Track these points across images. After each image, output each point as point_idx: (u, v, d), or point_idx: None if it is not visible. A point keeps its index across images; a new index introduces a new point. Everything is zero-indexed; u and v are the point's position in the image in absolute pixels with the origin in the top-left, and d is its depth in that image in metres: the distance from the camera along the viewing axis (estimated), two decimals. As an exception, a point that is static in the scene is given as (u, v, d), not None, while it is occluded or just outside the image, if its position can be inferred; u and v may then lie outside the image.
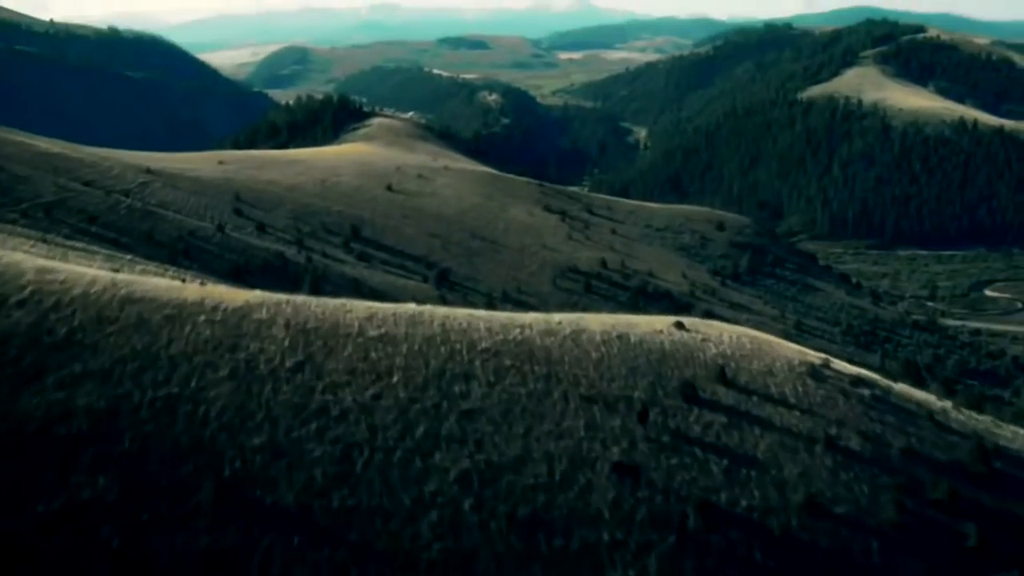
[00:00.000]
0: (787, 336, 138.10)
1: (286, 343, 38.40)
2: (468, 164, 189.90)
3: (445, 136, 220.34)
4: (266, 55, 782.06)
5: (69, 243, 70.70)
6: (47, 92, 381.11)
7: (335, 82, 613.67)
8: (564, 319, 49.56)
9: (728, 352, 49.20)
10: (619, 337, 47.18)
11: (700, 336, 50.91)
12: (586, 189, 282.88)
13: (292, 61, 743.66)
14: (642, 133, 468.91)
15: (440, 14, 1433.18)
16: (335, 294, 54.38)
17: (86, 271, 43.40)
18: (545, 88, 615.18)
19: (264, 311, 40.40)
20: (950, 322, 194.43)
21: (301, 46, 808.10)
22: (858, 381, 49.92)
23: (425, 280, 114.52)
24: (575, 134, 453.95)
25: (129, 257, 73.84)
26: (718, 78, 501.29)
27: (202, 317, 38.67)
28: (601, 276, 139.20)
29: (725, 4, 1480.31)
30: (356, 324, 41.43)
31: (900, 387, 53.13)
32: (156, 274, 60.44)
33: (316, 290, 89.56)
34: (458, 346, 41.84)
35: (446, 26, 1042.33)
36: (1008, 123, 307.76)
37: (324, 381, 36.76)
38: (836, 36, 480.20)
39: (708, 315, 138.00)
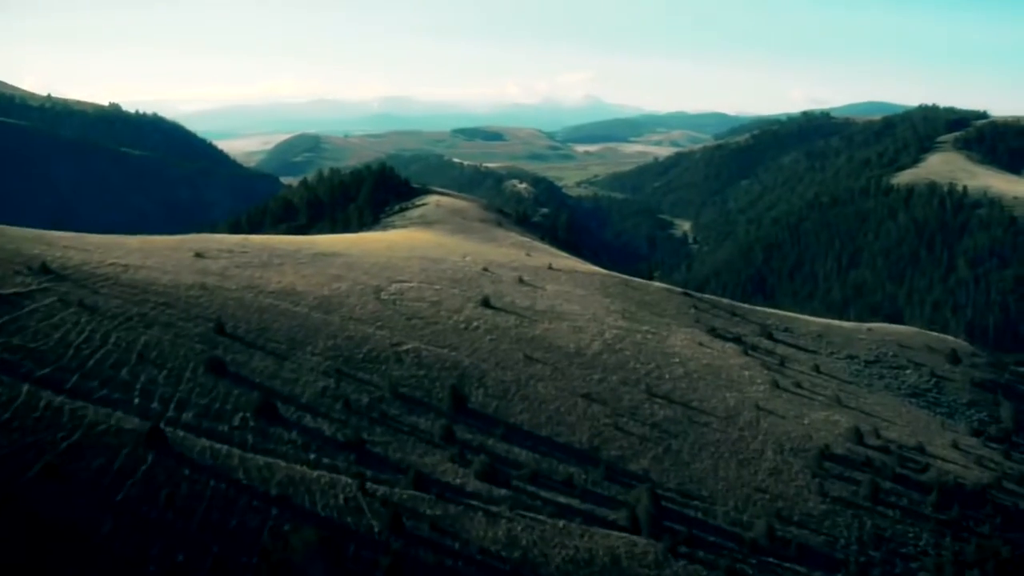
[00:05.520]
0: None
1: None
2: (573, 261, 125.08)
3: (524, 222, 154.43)
4: (277, 143, 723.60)
5: None
6: (33, 167, 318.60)
7: (350, 170, 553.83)
8: None
9: None
10: None
11: None
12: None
13: (304, 149, 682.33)
14: (686, 226, 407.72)
15: (452, 108, 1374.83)
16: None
17: None
18: (567, 179, 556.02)
19: None
20: None
21: (313, 135, 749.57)
22: None
23: (631, 526, 47.97)
24: (616, 227, 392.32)
25: None
26: (760, 168, 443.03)
27: None
28: (873, 464, 73.48)
29: (731, 101, 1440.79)
30: None
31: None
32: None
33: None
34: None
35: (458, 119, 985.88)
36: None
37: None
38: (889, 123, 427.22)
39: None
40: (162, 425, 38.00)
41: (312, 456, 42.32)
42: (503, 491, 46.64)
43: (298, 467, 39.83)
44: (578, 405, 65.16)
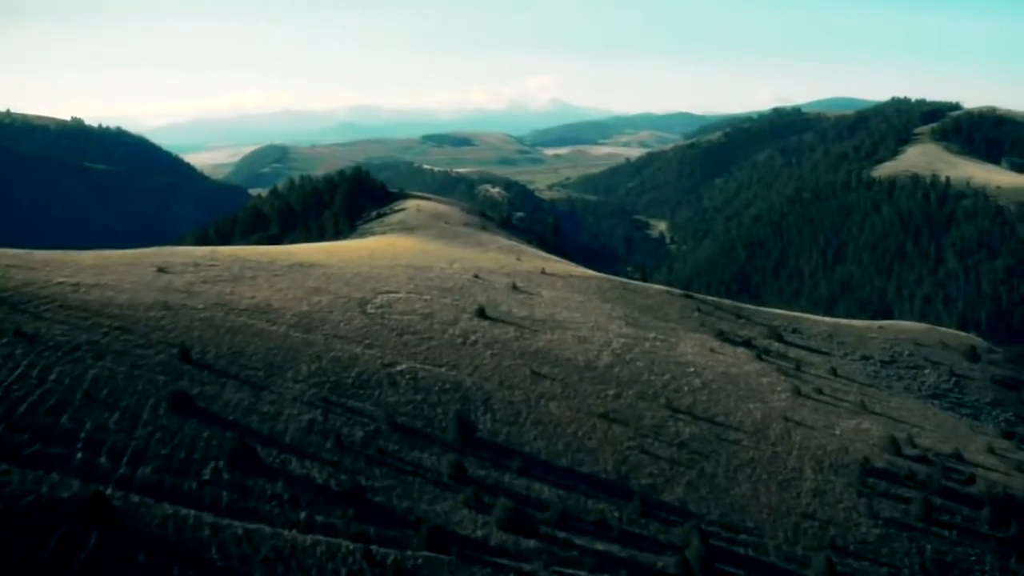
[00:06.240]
0: None
1: None
2: (564, 264, 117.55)
3: (508, 225, 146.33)
4: (244, 155, 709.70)
5: None
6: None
7: (321, 177, 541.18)
8: None
9: None
10: None
11: None
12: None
13: (272, 159, 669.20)
14: (662, 226, 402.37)
15: (418, 115, 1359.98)
16: None
17: None
18: (538, 182, 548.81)
19: None
20: None
21: (280, 145, 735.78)
22: None
23: (683, 573, 40.26)
24: (592, 229, 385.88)
25: None
26: (734, 166, 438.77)
27: None
28: (917, 477, 66.26)
29: (697, 100, 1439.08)
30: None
31: None
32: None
33: None
34: None
35: (425, 127, 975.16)
36: None
37: None
38: (862, 117, 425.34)
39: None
40: (110, 489, 29.73)
41: (303, 514, 34.11)
42: (532, 542, 38.69)
43: (286, 532, 31.65)
44: (597, 427, 57.37)
